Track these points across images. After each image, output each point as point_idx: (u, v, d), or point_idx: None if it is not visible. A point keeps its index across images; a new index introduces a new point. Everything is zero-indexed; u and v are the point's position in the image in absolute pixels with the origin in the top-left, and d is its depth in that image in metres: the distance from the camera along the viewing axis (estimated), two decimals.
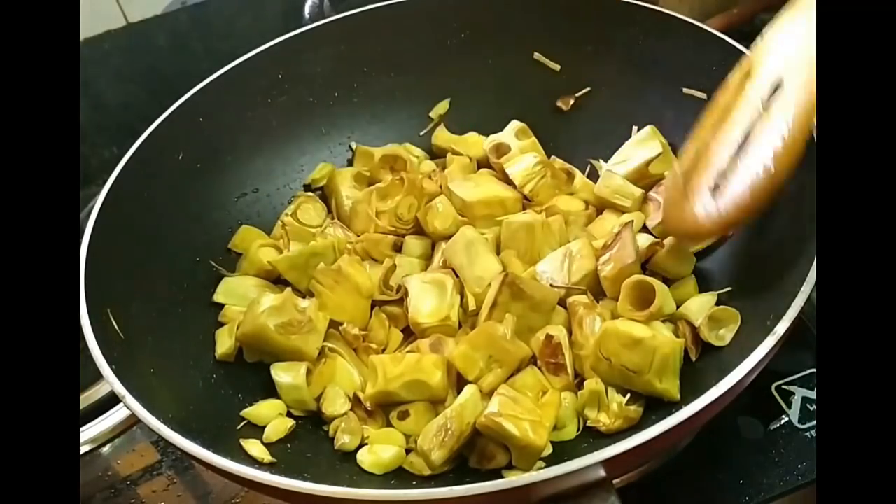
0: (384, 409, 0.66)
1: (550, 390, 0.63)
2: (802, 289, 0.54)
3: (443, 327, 0.67)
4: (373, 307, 0.72)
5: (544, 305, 0.66)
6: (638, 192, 0.75)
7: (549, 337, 0.65)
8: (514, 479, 0.47)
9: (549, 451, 0.60)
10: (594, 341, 0.63)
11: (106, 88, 1.07)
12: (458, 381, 0.64)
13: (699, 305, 0.66)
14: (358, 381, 0.68)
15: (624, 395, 0.61)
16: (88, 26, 1.02)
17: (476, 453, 0.60)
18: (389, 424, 0.65)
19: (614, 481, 0.49)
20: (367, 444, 0.64)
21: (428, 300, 0.69)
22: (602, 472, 0.48)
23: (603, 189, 0.76)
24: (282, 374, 0.66)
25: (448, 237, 0.73)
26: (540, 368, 0.65)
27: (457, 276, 0.70)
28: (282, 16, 1.12)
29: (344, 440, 0.64)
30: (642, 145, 0.77)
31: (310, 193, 0.82)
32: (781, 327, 0.53)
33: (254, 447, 0.62)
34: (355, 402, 0.66)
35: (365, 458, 0.62)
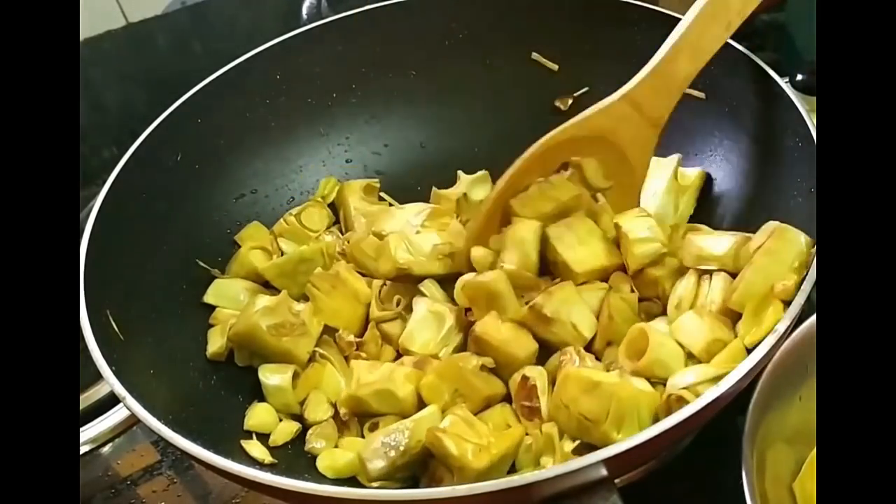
0: (361, 420, 0.65)
1: (516, 425, 0.61)
2: (802, 287, 0.54)
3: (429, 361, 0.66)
4: (368, 321, 0.71)
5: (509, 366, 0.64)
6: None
7: (525, 378, 0.62)
8: (515, 479, 0.47)
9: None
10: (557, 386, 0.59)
11: (106, 88, 1.07)
12: None
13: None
14: (344, 390, 0.67)
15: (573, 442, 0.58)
16: (88, 26, 1.02)
17: (427, 476, 0.59)
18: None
19: (615, 481, 0.49)
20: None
21: (425, 331, 0.67)
22: (603, 471, 0.48)
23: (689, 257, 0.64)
24: (269, 375, 0.66)
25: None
26: (515, 410, 0.63)
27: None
28: (282, 16, 1.12)
29: (314, 444, 0.64)
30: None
31: (320, 199, 0.82)
32: (781, 326, 0.53)
33: (254, 448, 0.62)
34: (337, 409, 0.66)
35: (321, 461, 0.62)
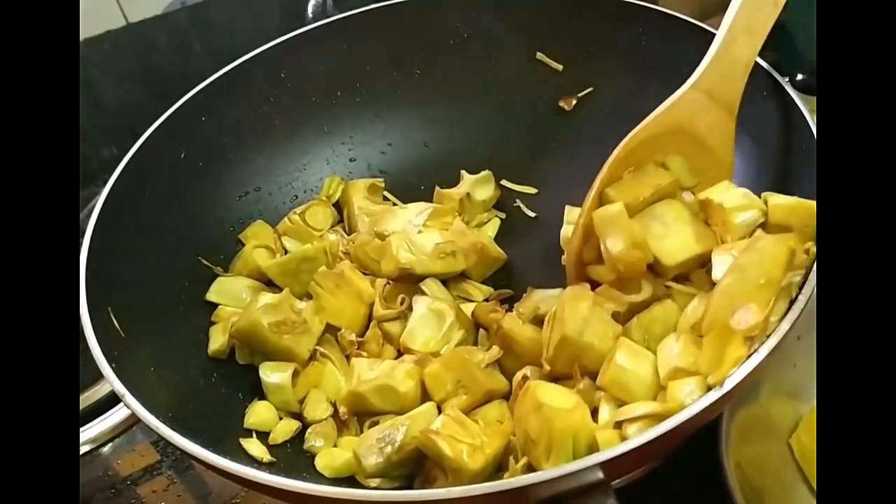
0: (360, 419, 0.65)
1: (507, 420, 0.60)
2: (803, 289, 0.54)
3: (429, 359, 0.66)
4: (370, 320, 0.71)
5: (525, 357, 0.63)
6: None
7: (525, 378, 0.61)
8: (512, 480, 0.47)
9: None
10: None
11: (106, 88, 1.07)
12: None
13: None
14: (345, 387, 0.67)
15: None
16: (88, 26, 1.02)
17: (422, 475, 0.59)
18: None
19: (612, 483, 0.49)
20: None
21: (425, 329, 0.68)
22: (600, 474, 0.48)
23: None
24: (269, 373, 0.66)
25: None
26: (510, 408, 0.62)
27: None
28: (281, 16, 1.12)
29: (313, 443, 0.64)
30: None
31: (324, 198, 0.82)
32: (783, 327, 0.52)
33: (253, 446, 0.62)
34: (336, 408, 0.66)
35: (320, 460, 0.62)
